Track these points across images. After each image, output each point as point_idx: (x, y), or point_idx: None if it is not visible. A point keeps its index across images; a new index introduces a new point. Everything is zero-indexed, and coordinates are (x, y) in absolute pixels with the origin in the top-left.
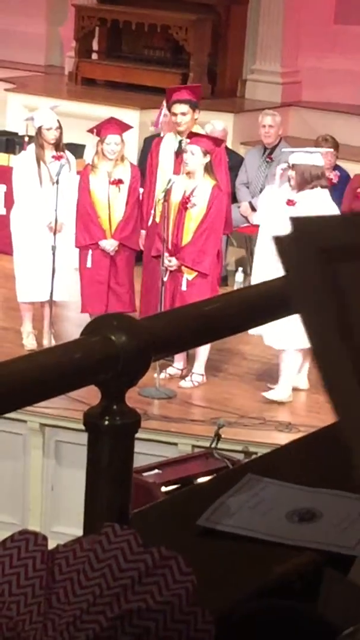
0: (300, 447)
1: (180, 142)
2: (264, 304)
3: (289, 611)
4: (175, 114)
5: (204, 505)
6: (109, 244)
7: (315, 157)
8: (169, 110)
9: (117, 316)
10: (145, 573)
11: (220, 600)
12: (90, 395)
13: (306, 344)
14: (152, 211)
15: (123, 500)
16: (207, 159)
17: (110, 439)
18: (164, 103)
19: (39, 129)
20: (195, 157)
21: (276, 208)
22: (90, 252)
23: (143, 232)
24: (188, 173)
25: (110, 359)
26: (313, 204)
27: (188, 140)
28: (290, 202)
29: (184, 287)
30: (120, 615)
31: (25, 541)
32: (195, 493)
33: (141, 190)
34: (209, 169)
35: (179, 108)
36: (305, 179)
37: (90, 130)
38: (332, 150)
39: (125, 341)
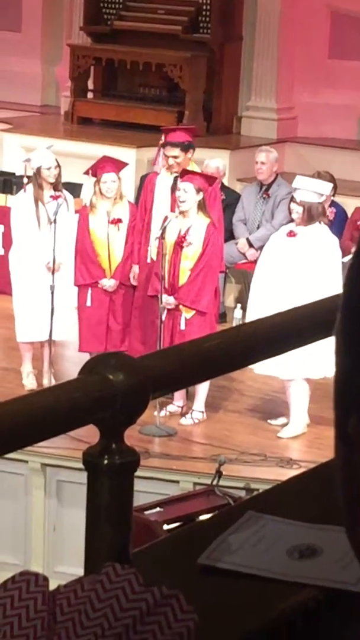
0: (300, 483)
1: (175, 178)
2: (265, 340)
3: None
4: (167, 157)
5: (205, 543)
6: (109, 284)
7: (322, 195)
8: (163, 149)
9: (115, 355)
10: (146, 612)
11: (222, 639)
12: (91, 434)
13: (313, 373)
14: (149, 248)
15: (123, 540)
16: (200, 196)
17: (109, 478)
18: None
19: (38, 169)
20: (188, 195)
21: (276, 241)
22: (89, 291)
23: (135, 267)
24: (182, 212)
25: (108, 397)
26: (314, 237)
27: (181, 178)
28: (291, 234)
29: (182, 326)
30: None
31: (26, 582)
32: (195, 531)
33: None
34: (202, 206)
35: (170, 151)
36: (312, 216)
37: (86, 172)
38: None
39: (123, 380)
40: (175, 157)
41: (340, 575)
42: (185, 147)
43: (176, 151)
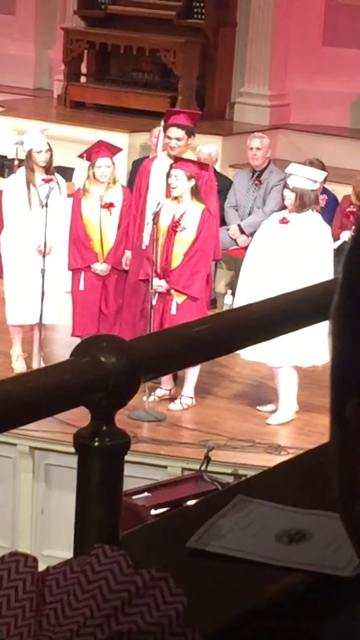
0: (289, 468)
1: (171, 165)
2: (255, 325)
3: (288, 632)
4: (170, 138)
5: (194, 526)
6: (102, 268)
7: (315, 182)
8: (164, 131)
9: (107, 337)
10: (135, 594)
11: (211, 622)
12: (79, 417)
13: (302, 361)
14: (143, 234)
15: (113, 522)
16: (192, 182)
17: (100, 460)
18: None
19: (29, 152)
20: (180, 182)
21: (268, 228)
22: (82, 275)
23: (128, 252)
24: (176, 197)
25: (99, 379)
26: (306, 225)
27: (174, 165)
28: (283, 220)
29: (173, 311)
30: (111, 637)
31: (16, 563)
32: (185, 514)
33: None
34: (195, 192)
35: (175, 132)
36: (304, 203)
37: (81, 156)
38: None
39: (115, 362)
40: (178, 139)
41: (329, 560)
42: (190, 132)
43: (181, 133)
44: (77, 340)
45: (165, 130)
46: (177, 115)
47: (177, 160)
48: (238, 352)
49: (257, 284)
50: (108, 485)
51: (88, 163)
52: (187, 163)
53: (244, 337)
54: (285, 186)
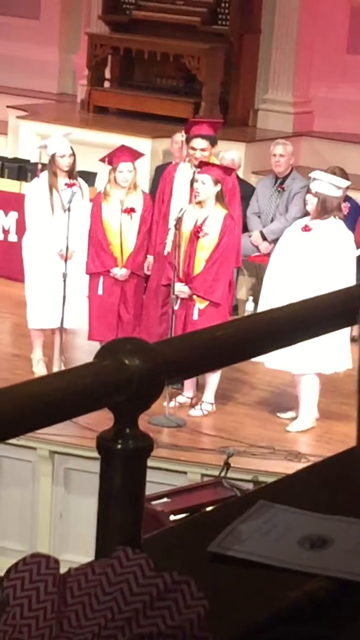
0: (311, 474)
1: (194, 172)
2: (278, 330)
3: (309, 638)
4: (194, 149)
5: (215, 531)
6: (121, 273)
7: (339, 188)
8: (187, 142)
9: (131, 340)
10: (157, 597)
11: (231, 626)
12: (99, 422)
13: (325, 368)
14: (167, 241)
15: (135, 524)
16: (218, 187)
17: (122, 463)
18: (183, 135)
19: (53, 157)
20: (206, 187)
21: (291, 235)
22: (101, 279)
23: (150, 257)
24: (199, 202)
25: (123, 382)
26: (329, 232)
27: (199, 170)
28: (306, 228)
29: (195, 317)
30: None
31: (37, 564)
32: (206, 519)
33: None
34: (220, 198)
35: (199, 144)
36: (326, 208)
37: (102, 160)
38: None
39: (139, 365)
40: (203, 149)
41: (351, 566)
42: (214, 141)
43: (205, 144)
44: (98, 345)
45: (188, 141)
46: (199, 125)
47: (202, 165)
48: (261, 359)
49: (280, 291)
50: (130, 488)
51: (110, 167)
52: (213, 167)
53: (266, 342)
54: (308, 191)
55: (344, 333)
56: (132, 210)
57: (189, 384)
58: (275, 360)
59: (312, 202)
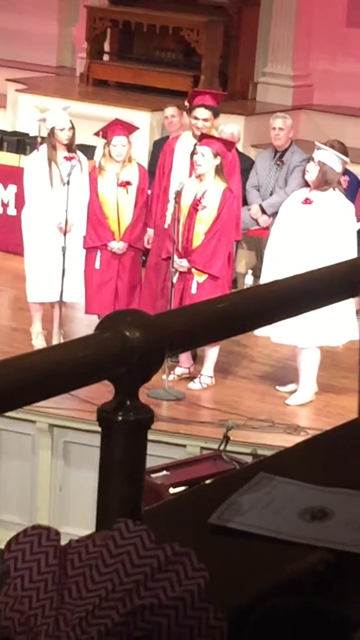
0: (311, 446)
1: (195, 144)
2: (279, 301)
3: (304, 610)
4: (197, 118)
5: (216, 503)
6: (118, 246)
7: (339, 162)
8: (190, 112)
9: (131, 312)
10: (157, 569)
11: (232, 598)
12: (99, 395)
13: (331, 340)
14: (167, 214)
15: (135, 496)
16: (218, 160)
17: (123, 435)
18: (186, 105)
19: (52, 130)
20: (206, 159)
21: (291, 208)
22: (98, 253)
23: (150, 230)
24: (199, 176)
25: (124, 354)
26: (330, 204)
27: (199, 142)
28: (307, 201)
29: (193, 290)
30: (132, 611)
31: (38, 536)
32: (206, 491)
33: (149, 191)
34: (219, 171)
35: (202, 113)
36: (326, 179)
37: (97, 133)
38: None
39: (140, 336)
40: (205, 119)
41: (351, 538)
42: (216, 112)
43: (208, 114)
44: (97, 319)
45: (191, 111)
46: (202, 95)
47: (202, 137)
48: (267, 334)
49: (282, 265)
50: (131, 459)
51: (104, 141)
52: (213, 140)
53: (267, 314)
54: (310, 160)
55: (350, 304)
56: (127, 183)
57: (185, 355)
58: (282, 335)
59: (313, 172)
